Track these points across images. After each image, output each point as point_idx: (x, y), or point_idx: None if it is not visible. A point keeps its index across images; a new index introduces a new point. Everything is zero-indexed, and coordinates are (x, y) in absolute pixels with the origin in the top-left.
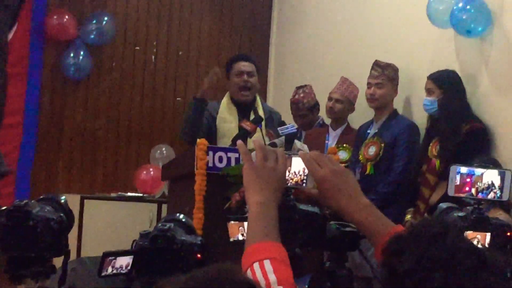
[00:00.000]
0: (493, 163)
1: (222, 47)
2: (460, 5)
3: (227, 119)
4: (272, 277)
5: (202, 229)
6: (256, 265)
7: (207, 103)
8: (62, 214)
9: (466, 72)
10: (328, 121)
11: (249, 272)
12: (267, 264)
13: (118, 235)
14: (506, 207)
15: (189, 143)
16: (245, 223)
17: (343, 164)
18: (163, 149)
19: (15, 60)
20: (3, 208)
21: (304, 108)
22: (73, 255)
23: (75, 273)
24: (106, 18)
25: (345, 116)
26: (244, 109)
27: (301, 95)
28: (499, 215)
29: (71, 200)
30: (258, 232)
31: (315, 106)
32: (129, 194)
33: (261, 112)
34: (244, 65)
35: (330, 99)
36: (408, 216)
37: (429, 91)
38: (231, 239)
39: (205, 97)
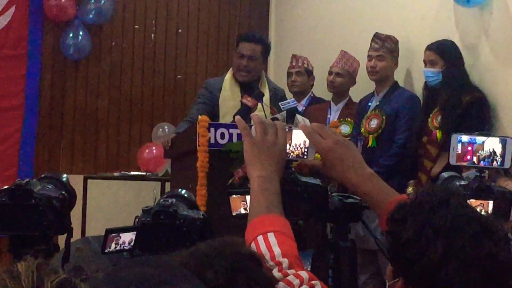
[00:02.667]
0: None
1: (221, 23)
2: None
3: (229, 96)
4: (276, 250)
5: (205, 205)
6: (260, 238)
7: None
8: (64, 192)
9: (466, 42)
10: (322, 95)
11: (253, 245)
12: (271, 236)
13: (122, 214)
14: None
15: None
16: (247, 197)
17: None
18: (165, 127)
19: (14, 42)
20: (5, 187)
21: (303, 65)
22: (77, 235)
23: (80, 252)
24: None
25: (346, 89)
26: (246, 86)
27: (299, 57)
28: (507, 184)
29: (74, 180)
30: (261, 206)
31: (311, 71)
32: (132, 173)
33: (265, 90)
34: (247, 48)
35: (330, 73)
36: (410, 189)
37: (431, 62)
38: (234, 213)
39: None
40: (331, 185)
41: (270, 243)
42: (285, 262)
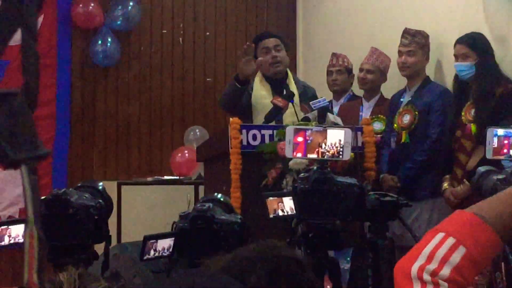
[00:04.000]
0: None
1: (249, 25)
2: None
3: (261, 95)
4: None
5: (240, 207)
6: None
7: (249, 83)
8: (100, 200)
9: (496, 34)
10: (360, 93)
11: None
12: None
13: (157, 219)
14: None
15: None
16: (284, 199)
17: (378, 135)
18: (197, 130)
19: (44, 51)
20: (42, 197)
21: (343, 64)
22: (113, 241)
23: (117, 259)
24: (131, 3)
25: (377, 86)
26: (276, 85)
27: (339, 55)
28: None
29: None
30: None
31: (351, 70)
32: (166, 177)
33: (293, 88)
34: (269, 41)
35: (361, 70)
36: (446, 184)
37: (463, 56)
38: (271, 215)
39: (250, 78)
40: (366, 182)
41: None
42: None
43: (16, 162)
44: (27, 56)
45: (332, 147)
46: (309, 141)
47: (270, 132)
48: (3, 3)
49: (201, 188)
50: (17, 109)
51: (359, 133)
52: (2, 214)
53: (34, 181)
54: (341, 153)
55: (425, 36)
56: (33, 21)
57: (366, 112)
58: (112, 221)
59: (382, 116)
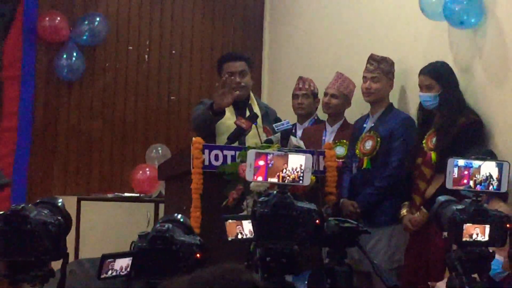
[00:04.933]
0: (489, 155)
1: (215, 44)
2: None
3: (225, 116)
4: None
5: (199, 227)
6: None
7: (224, 114)
8: (59, 217)
9: (460, 64)
10: (324, 117)
11: None
12: None
13: (116, 235)
14: (505, 197)
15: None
16: (243, 222)
17: (340, 160)
18: (159, 148)
19: (8, 64)
20: (0, 212)
21: (310, 88)
22: (71, 257)
23: (74, 275)
24: (98, 19)
25: (341, 111)
26: (239, 106)
27: (305, 79)
28: (500, 206)
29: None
30: None
31: (317, 94)
32: (126, 194)
33: (256, 109)
34: (235, 65)
35: (325, 94)
36: (404, 210)
37: (427, 87)
38: (229, 238)
39: (224, 107)
40: (327, 207)
41: None
42: None
43: None
44: None
45: (293, 171)
46: (270, 165)
47: (233, 153)
48: None
49: (162, 206)
50: None
51: (321, 157)
52: None
53: None
54: (301, 178)
55: (390, 63)
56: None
57: (329, 136)
58: (70, 236)
59: (344, 141)
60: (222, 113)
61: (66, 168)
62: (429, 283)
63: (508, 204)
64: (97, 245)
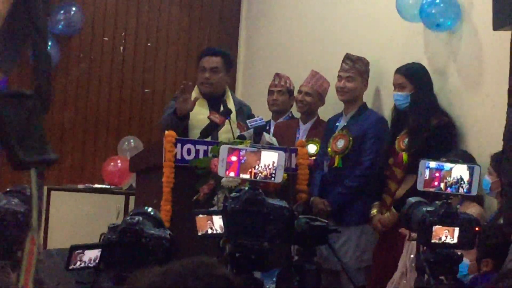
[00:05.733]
0: (467, 157)
1: (191, 38)
2: None
3: (197, 111)
4: None
5: (170, 221)
6: None
7: (189, 118)
8: (29, 207)
9: (435, 66)
10: (297, 115)
11: None
12: None
13: (85, 227)
14: (480, 200)
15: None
16: (214, 217)
17: (312, 158)
18: (131, 140)
19: None
20: None
21: (285, 85)
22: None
23: (42, 265)
24: (74, 9)
25: (315, 109)
26: (213, 101)
27: (282, 76)
28: (473, 207)
29: None
30: None
31: (292, 92)
32: (97, 186)
33: (230, 105)
34: (209, 61)
35: (300, 92)
36: (374, 210)
37: (400, 86)
38: (200, 233)
39: (186, 112)
40: (298, 204)
41: None
42: None
43: (26, 165)
44: (39, 59)
45: (265, 168)
46: (242, 161)
47: (205, 147)
48: (13, 9)
49: (132, 199)
50: (30, 112)
51: (293, 154)
52: None
53: (41, 186)
54: (273, 175)
55: (365, 63)
56: (43, 25)
57: (302, 134)
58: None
59: (317, 139)
60: (187, 117)
61: None
62: None
63: (485, 206)
64: (66, 237)
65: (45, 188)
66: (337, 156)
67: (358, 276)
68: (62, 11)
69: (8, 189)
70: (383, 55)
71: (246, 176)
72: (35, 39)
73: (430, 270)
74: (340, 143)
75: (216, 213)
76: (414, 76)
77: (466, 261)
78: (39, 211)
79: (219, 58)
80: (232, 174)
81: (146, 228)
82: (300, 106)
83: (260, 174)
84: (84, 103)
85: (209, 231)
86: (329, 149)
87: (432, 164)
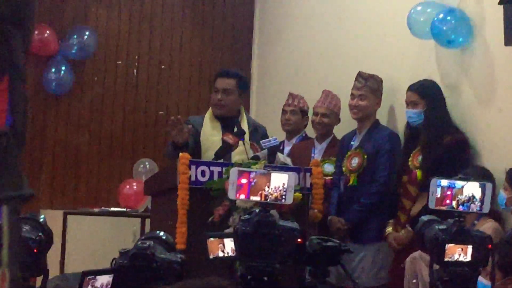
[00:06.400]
0: (484, 173)
1: (204, 60)
2: (441, 16)
3: (210, 133)
4: None
5: (185, 243)
6: None
7: (188, 146)
8: (41, 234)
9: (447, 83)
10: (312, 134)
11: None
12: None
13: (101, 250)
14: (497, 215)
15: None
16: (225, 240)
17: (328, 177)
18: (146, 163)
19: None
20: None
21: (298, 105)
22: (56, 271)
23: None
24: (87, 33)
25: (331, 128)
26: (227, 123)
27: (295, 96)
28: (489, 222)
29: (54, 215)
30: None
31: (306, 112)
32: (112, 209)
33: (244, 126)
34: (222, 83)
35: (316, 114)
36: (389, 228)
37: (413, 103)
38: (211, 256)
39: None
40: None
41: None
42: None
43: None
44: (16, 97)
45: (276, 190)
46: (252, 183)
47: (219, 169)
48: None
49: (148, 221)
50: (4, 149)
51: (308, 174)
52: None
53: (16, 221)
54: (284, 196)
55: (378, 81)
56: (21, 61)
57: (318, 154)
58: (56, 250)
59: (333, 158)
60: (186, 146)
61: (52, 182)
62: None
63: (503, 221)
64: (83, 260)
65: (61, 212)
66: (352, 174)
67: None
68: (75, 36)
69: (20, 216)
70: (395, 72)
71: (256, 198)
72: (11, 75)
73: None
74: (355, 162)
75: (228, 235)
76: (427, 93)
77: (482, 280)
78: (10, 247)
79: (232, 80)
80: (242, 196)
81: (158, 252)
82: (319, 128)
83: (270, 196)
84: (98, 126)
85: (220, 254)
86: (343, 168)
87: (444, 182)
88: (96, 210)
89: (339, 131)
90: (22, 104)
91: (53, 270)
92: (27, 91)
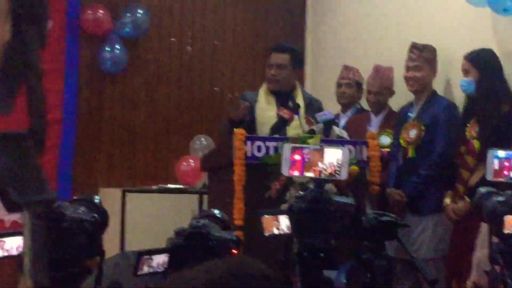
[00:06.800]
0: None
1: (257, 36)
2: None
3: (265, 107)
4: None
5: (243, 219)
6: None
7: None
8: (96, 215)
9: (504, 51)
10: (366, 106)
11: None
12: None
13: (160, 227)
14: None
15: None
16: (280, 217)
17: (385, 149)
18: (202, 139)
19: (51, 57)
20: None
21: (353, 78)
22: (116, 249)
23: (118, 268)
24: (140, 11)
25: (386, 102)
26: (282, 97)
27: (350, 68)
28: None
29: (113, 194)
30: None
31: (361, 84)
32: (170, 186)
33: (299, 100)
34: (276, 58)
35: (369, 92)
36: (447, 200)
37: (465, 72)
38: (266, 234)
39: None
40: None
41: None
42: None
43: (19, 206)
44: (34, 97)
45: (330, 166)
46: (306, 159)
47: (275, 144)
48: (10, 45)
49: (206, 198)
50: (24, 152)
51: (364, 147)
52: (7, 219)
53: (38, 227)
54: (338, 172)
55: (433, 51)
56: (38, 62)
57: (374, 127)
58: (115, 228)
59: (389, 130)
60: (243, 122)
61: (110, 160)
62: None
63: None
64: (142, 238)
65: (120, 190)
66: (410, 146)
67: (430, 270)
68: (128, 14)
69: (75, 197)
70: (451, 42)
71: (310, 174)
72: (28, 76)
73: (503, 260)
74: (412, 133)
75: (282, 212)
76: (480, 62)
77: None
78: (32, 255)
79: (286, 55)
80: (296, 173)
81: (212, 230)
82: (374, 106)
83: (324, 171)
84: (154, 104)
85: (276, 232)
86: (401, 140)
87: (501, 153)
88: (154, 187)
89: (396, 102)
90: (40, 105)
91: (113, 248)
92: (44, 90)
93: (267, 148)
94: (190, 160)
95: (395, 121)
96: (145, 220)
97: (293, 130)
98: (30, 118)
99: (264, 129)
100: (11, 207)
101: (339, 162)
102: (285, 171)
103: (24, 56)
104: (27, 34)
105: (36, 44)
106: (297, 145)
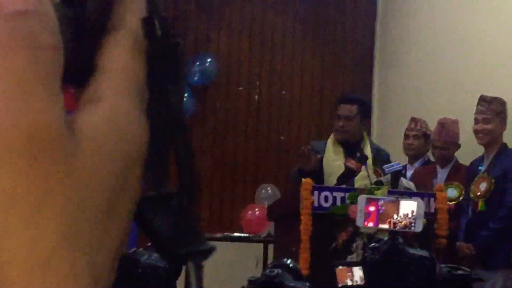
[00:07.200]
0: None
1: (325, 85)
2: None
3: (333, 158)
4: None
5: (308, 268)
6: None
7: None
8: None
9: None
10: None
11: None
12: None
13: (225, 275)
14: None
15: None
16: (353, 268)
17: (452, 202)
18: (268, 188)
19: None
20: None
21: (421, 129)
22: None
23: None
24: (209, 60)
25: (451, 155)
26: (349, 148)
27: (418, 120)
28: None
29: None
30: None
31: (429, 136)
32: (235, 234)
33: (367, 151)
34: (344, 109)
35: (434, 147)
36: None
37: None
38: (340, 285)
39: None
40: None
41: None
42: None
43: (181, 257)
44: (180, 152)
45: (405, 218)
46: (381, 211)
47: (342, 194)
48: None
49: (271, 247)
50: (177, 210)
51: (432, 199)
52: None
53: (201, 278)
54: (413, 224)
55: (502, 103)
56: (179, 110)
57: (440, 179)
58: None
59: (456, 183)
60: (312, 172)
61: None
62: None
63: None
64: (207, 286)
65: None
66: (480, 199)
67: None
68: (197, 63)
69: (149, 244)
70: None
71: (385, 226)
72: (173, 130)
73: None
74: (482, 186)
75: (356, 264)
76: None
77: None
78: None
79: (354, 106)
80: (371, 224)
81: (286, 281)
82: (439, 159)
83: (399, 223)
84: (221, 151)
85: (349, 283)
86: (471, 193)
87: None
88: (218, 235)
89: (464, 155)
90: (188, 159)
91: None
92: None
93: (334, 198)
94: (256, 209)
95: (461, 174)
96: (210, 268)
97: (360, 181)
98: (180, 174)
99: (331, 179)
100: (172, 259)
101: (414, 214)
102: (360, 222)
103: (166, 110)
104: (168, 93)
105: (177, 97)
106: (372, 196)
